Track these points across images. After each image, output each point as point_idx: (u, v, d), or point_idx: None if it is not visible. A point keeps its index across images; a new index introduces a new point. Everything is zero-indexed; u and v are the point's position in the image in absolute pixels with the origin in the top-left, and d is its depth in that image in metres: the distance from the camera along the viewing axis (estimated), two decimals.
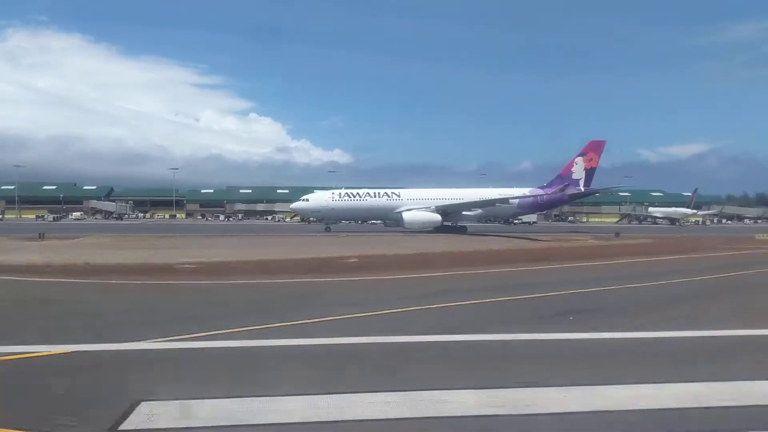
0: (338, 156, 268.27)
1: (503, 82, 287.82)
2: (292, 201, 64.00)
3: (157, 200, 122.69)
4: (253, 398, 6.17)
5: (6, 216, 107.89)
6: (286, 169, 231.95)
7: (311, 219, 66.45)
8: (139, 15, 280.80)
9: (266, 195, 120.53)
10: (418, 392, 6.22)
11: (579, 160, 56.89)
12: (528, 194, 55.43)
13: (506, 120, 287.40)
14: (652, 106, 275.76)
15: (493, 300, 13.12)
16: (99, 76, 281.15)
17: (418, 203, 53.47)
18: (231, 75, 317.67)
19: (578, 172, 56.70)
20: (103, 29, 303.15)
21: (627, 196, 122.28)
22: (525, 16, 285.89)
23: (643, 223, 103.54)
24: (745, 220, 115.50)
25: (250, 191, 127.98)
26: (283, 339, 8.93)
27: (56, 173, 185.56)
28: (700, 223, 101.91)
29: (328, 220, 55.15)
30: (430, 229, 52.23)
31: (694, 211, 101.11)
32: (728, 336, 9.40)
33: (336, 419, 5.56)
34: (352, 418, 5.59)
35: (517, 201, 55.25)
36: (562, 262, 23.82)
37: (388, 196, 54.92)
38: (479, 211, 54.71)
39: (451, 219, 54.75)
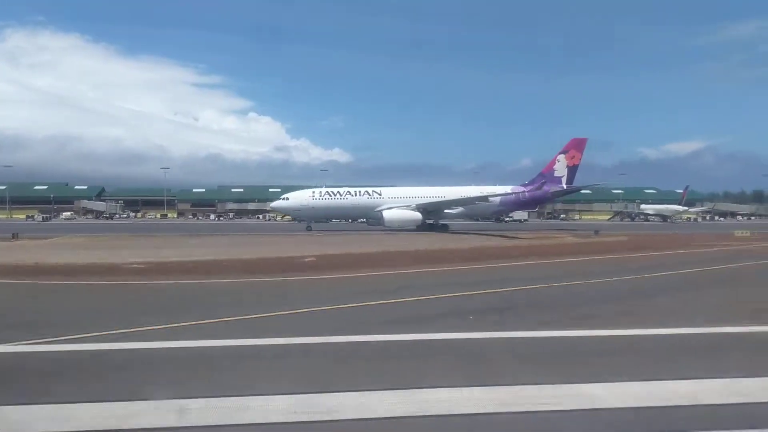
0: (338, 155, 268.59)
1: (503, 81, 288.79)
2: None
3: (148, 200, 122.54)
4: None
5: None
6: (285, 168, 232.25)
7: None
8: (138, 15, 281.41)
9: (258, 194, 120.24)
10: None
11: (561, 157, 56.63)
12: (510, 192, 55.15)
13: (506, 119, 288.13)
14: (651, 105, 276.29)
15: (411, 299, 12.86)
16: (98, 75, 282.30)
17: (399, 202, 53.23)
18: (230, 74, 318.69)
19: (560, 169, 56.44)
20: (101, 29, 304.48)
21: (620, 193, 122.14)
22: (525, 17, 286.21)
23: (635, 220, 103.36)
24: (738, 217, 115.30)
25: (242, 190, 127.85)
26: (150, 342, 8.68)
27: (55, 173, 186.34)
28: (692, 220, 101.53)
29: (309, 219, 54.89)
30: (412, 227, 52.00)
31: (685, 208, 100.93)
32: (615, 336, 9.19)
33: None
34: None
35: (499, 199, 54.98)
36: (517, 260, 23.62)
37: (369, 195, 54.70)
38: (461, 209, 54.51)
39: (433, 217, 54.54)
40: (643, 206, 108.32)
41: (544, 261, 23.81)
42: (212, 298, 13.63)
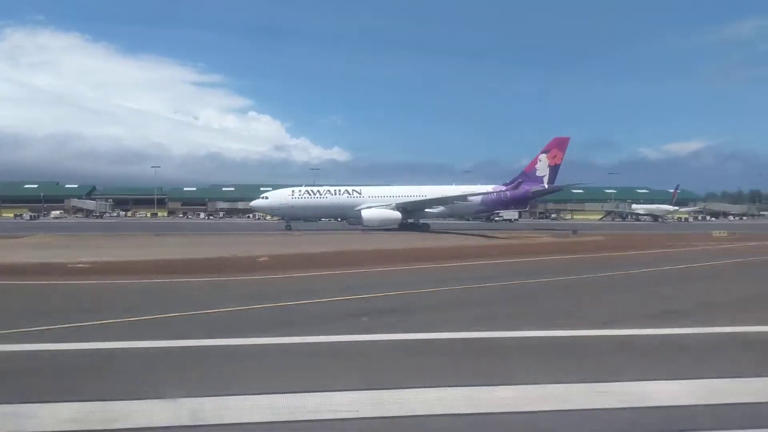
0: (337, 154, 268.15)
1: (503, 80, 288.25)
2: None
3: (139, 198, 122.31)
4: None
5: None
6: (284, 167, 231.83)
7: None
8: (137, 14, 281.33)
9: (249, 193, 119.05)
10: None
11: (543, 157, 56.30)
12: (491, 191, 54.80)
13: (506, 118, 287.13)
14: (651, 106, 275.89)
15: (310, 302, 12.40)
16: (97, 74, 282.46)
17: (379, 201, 52.92)
18: (230, 73, 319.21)
19: (542, 169, 56.10)
20: (101, 28, 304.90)
21: (613, 193, 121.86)
22: (525, 17, 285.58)
23: (626, 219, 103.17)
24: (730, 217, 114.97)
25: (232, 189, 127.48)
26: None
27: (56, 172, 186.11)
28: (682, 219, 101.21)
29: (289, 218, 54.57)
30: (393, 226, 51.72)
31: (676, 207, 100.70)
32: (476, 338, 8.86)
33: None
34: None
35: (480, 198, 54.69)
36: (471, 260, 23.31)
37: (349, 194, 54.38)
38: (442, 208, 54.26)
39: (413, 216, 54.28)
40: (634, 206, 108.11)
41: (497, 261, 23.41)
42: (115, 300, 13.19)
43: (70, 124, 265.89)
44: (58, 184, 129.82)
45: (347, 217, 55.61)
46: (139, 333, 9.09)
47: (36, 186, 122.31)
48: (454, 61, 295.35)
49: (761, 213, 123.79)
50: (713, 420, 5.30)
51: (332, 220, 67.71)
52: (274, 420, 5.24)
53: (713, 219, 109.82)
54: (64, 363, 7.56)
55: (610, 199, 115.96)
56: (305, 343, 8.40)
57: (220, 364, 7.41)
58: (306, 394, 5.89)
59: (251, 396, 5.84)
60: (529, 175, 55.97)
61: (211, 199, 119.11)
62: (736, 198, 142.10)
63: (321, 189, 55.67)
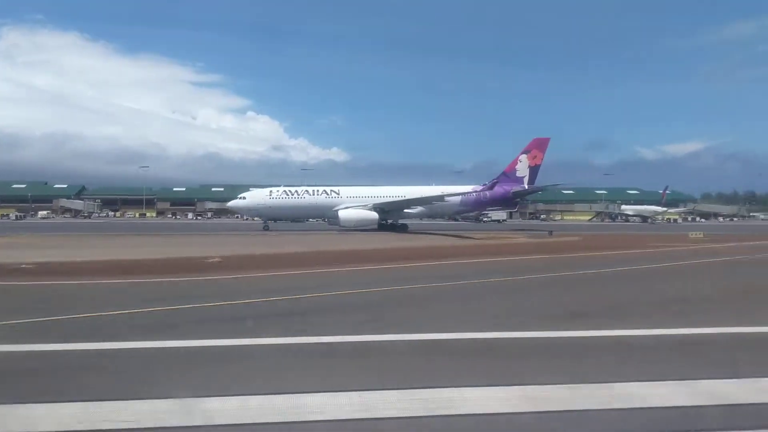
0: (335, 154, 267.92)
1: (502, 81, 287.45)
2: None
3: (128, 198, 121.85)
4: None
5: None
6: (283, 167, 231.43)
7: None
8: (136, 13, 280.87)
9: (238, 193, 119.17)
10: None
11: (523, 157, 55.96)
12: (470, 192, 54.41)
13: (505, 119, 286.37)
14: (649, 105, 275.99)
15: (231, 303, 12.11)
16: (96, 74, 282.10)
17: (357, 201, 52.54)
18: (229, 73, 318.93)
19: (522, 169, 55.76)
20: (100, 28, 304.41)
21: (603, 194, 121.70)
22: (525, 17, 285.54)
23: (616, 220, 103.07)
24: (720, 218, 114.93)
25: (222, 189, 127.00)
26: None
27: (53, 172, 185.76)
28: (672, 221, 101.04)
29: (266, 219, 54.18)
30: (371, 227, 51.42)
31: (665, 208, 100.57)
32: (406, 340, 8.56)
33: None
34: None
35: (459, 198, 54.36)
36: (436, 260, 23.08)
37: (327, 194, 53.98)
38: (420, 208, 53.92)
39: (392, 217, 53.94)
40: (623, 207, 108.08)
41: (455, 261, 23.20)
42: (31, 301, 12.91)
43: (69, 124, 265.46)
44: (46, 184, 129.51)
45: (325, 217, 55.23)
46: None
47: (24, 186, 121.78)
48: (453, 62, 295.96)
49: (751, 214, 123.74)
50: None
51: (319, 221, 67.43)
52: None
53: (703, 220, 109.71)
54: None
55: (601, 200, 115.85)
56: (158, 348, 8.06)
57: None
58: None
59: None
60: (509, 175, 55.66)
61: (200, 199, 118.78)
62: (731, 199, 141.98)
63: (299, 189, 55.28)
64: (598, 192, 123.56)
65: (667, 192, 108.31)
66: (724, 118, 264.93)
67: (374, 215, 50.61)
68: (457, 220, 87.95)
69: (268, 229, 52.10)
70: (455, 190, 54.16)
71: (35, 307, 11.79)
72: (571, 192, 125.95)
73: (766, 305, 12.34)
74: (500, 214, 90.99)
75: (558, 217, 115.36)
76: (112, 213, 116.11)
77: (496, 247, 32.60)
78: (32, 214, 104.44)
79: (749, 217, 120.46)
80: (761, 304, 12.39)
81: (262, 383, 6.33)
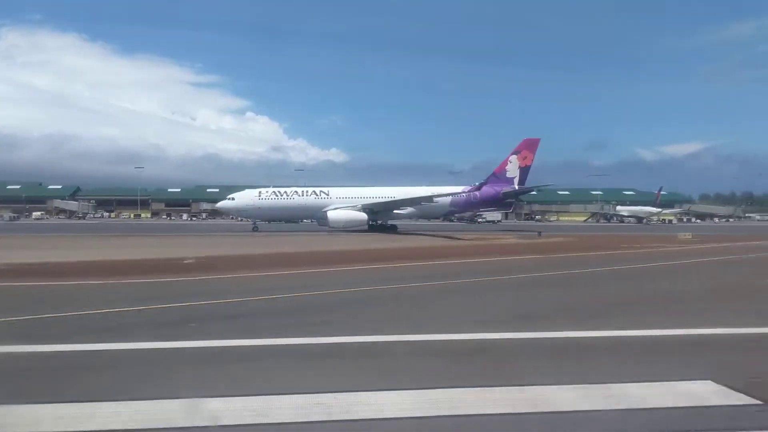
0: (334, 155, 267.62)
1: (501, 81, 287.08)
2: None
3: (123, 199, 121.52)
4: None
5: None
6: (282, 168, 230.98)
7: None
8: (135, 14, 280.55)
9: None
10: None
11: (513, 158, 55.76)
12: (459, 192, 54.18)
13: (505, 119, 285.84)
14: (649, 105, 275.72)
15: (180, 305, 11.86)
16: (95, 74, 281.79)
17: (347, 202, 52.34)
18: (227, 74, 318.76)
19: (512, 170, 55.57)
20: (99, 28, 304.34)
21: (599, 194, 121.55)
22: (524, 17, 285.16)
23: (611, 221, 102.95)
24: (715, 219, 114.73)
25: (217, 190, 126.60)
26: None
27: (52, 172, 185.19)
28: (667, 221, 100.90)
29: (256, 220, 53.94)
30: (361, 227, 51.27)
31: (659, 209, 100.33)
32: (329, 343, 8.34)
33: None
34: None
35: (449, 199, 54.18)
36: (415, 261, 22.88)
37: (317, 195, 53.76)
38: (410, 209, 53.72)
39: (381, 218, 53.76)
40: (618, 208, 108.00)
41: (435, 262, 23.04)
42: None
43: (67, 125, 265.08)
44: (41, 184, 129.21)
45: (315, 218, 55.00)
46: None
47: (19, 187, 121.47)
48: (452, 62, 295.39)
49: (747, 215, 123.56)
50: None
51: (313, 221, 67.19)
52: None
53: (698, 221, 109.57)
54: None
55: (596, 201, 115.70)
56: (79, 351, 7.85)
57: None
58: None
59: None
60: (499, 176, 55.50)
61: (195, 200, 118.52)
62: (728, 200, 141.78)
63: (288, 190, 55.03)
64: (593, 193, 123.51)
65: (663, 193, 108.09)
66: (724, 118, 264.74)
67: (363, 216, 50.41)
68: (453, 221, 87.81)
69: (257, 230, 51.93)
70: (444, 191, 53.94)
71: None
72: (566, 193, 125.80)
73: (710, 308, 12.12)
74: (495, 215, 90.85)
75: (553, 218, 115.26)
76: (107, 214, 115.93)
77: (480, 248, 32.50)
78: (27, 215, 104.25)
79: (745, 217, 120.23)
80: (703, 306, 12.21)
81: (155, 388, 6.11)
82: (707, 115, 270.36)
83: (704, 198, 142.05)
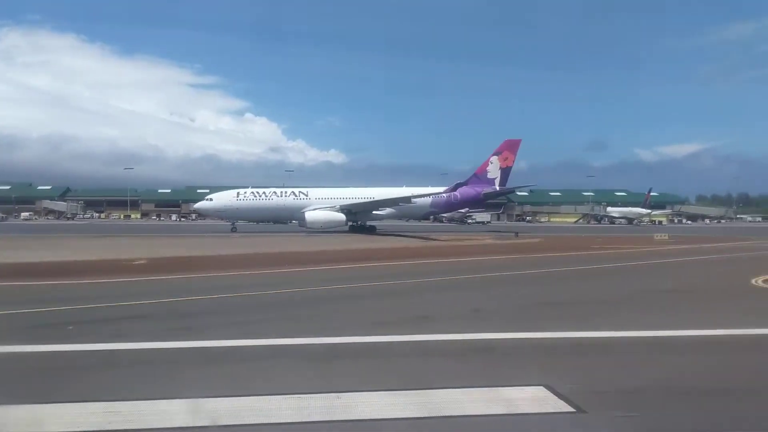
0: (333, 156, 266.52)
1: (501, 82, 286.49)
2: None
3: (113, 200, 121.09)
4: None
5: None
6: (280, 169, 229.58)
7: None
8: (134, 15, 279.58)
9: None
10: None
11: (494, 159, 55.51)
12: (440, 193, 53.85)
13: (504, 119, 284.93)
14: (648, 105, 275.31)
15: (93, 306, 11.64)
16: (93, 75, 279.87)
17: (325, 203, 52.05)
18: (226, 75, 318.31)
19: (493, 171, 55.32)
20: (97, 29, 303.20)
21: (590, 195, 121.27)
22: (523, 17, 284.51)
23: (601, 222, 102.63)
24: (706, 220, 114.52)
25: (207, 191, 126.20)
26: None
27: (49, 173, 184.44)
28: (657, 222, 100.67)
29: (234, 220, 53.56)
30: (341, 228, 51.01)
31: (649, 211, 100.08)
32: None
33: None
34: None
35: (429, 200, 53.92)
36: (378, 262, 22.95)
37: (296, 196, 53.39)
38: (390, 210, 53.39)
39: (360, 218, 53.46)
40: (609, 209, 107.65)
41: (391, 263, 23.05)
42: None
43: (66, 125, 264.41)
44: (31, 185, 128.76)
45: (294, 219, 54.64)
46: None
47: (8, 187, 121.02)
48: (452, 62, 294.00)
49: (739, 216, 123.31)
50: None
51: (295, 223, 66.92)
52: None
53: (689, 222, 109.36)
54: None
55: (587, 202, 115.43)
56: None
57: None
58: None
59: None
60: (480, 176, 55.24)
61: (185, 201, 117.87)
62: (725, 201, 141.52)
63: (267, 190, 54.67)
64: (585, 194, 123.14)
65: (655, 194, 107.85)
66: (723, 119, 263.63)
67: (341, 217, 50.13)
68: (443, 222, 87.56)
69: (235, 231, 51.56)
70: (424, 191, 53.65)
71: None
72: (558, 194, 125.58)
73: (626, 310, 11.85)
74: (485, 216, 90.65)
75: (544, 219, 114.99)
76: (97, 214, 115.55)
77: (448, 249, 32.47)
78: (15, 216, 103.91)
79: (736, 219, 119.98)
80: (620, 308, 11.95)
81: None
82: (707, 116, 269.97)
83: (701, 199, 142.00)
